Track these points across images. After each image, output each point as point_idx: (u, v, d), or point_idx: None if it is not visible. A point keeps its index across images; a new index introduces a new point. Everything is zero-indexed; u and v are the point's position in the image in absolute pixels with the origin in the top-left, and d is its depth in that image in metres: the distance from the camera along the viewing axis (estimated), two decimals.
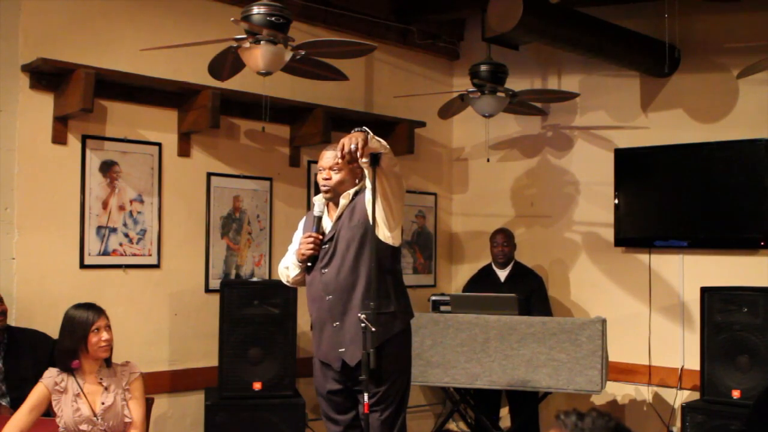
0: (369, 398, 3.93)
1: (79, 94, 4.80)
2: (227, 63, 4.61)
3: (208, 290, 5.63)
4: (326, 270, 4.14)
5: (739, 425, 4.78)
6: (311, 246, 4.15)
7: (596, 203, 6.54)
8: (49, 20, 5.00)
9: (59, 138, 5.00)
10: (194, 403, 5.50)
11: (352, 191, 4.16)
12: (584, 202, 6.65)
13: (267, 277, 5.89)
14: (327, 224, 4.22)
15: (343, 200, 4.17)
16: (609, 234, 6.38)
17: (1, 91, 4.83)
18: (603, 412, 1.94)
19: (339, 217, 4.17)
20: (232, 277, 5.74)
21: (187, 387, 5.51)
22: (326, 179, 4.16)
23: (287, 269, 4.35)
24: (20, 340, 4.65)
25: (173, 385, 5.47)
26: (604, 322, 5.42)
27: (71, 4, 5.09)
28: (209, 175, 5.68)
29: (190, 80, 5.37)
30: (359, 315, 3.81)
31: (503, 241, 6.45)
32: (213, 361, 5.38)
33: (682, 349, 5.99)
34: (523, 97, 5.92)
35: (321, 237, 4.18)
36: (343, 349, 4.07)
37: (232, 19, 4.20)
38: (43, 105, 4.96)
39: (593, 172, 6.58)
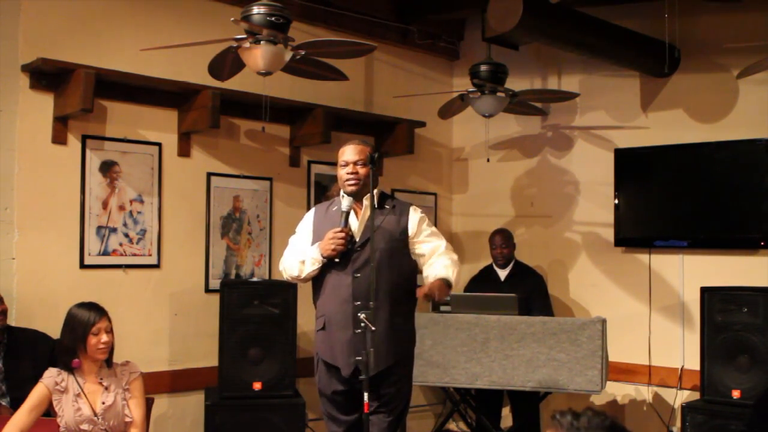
0: (377, 400, 4.04)
1: (79, 94, 4.80)
2: (227, 63, 4.60)
3: (208, 290, 5.63)
4: (359, 275, 4.10)
5: (739, 425, 4.76)
6: (342, 242, 4.10)
7: (596, 203, 6.54)
8: (49, 20, 5.00)
9: (59, 138, 5.00)
10: (194, 403, 5.50)
11: (375, 192, 4.13)
12: (584, 202, 6.65)
13: (267, 277, 5.88)
14: (353, 224, 4.20)
15: (366, 201, 4.16)
16: (609, 234, 6.38)
17: (1, 91, 4.83)
18: (598, 411, 1.95)
19: (368, 221, 4.13)
20: (232, 277, 5.74)
21: (187, 387, 5.51)
22: (353, 173, 4.16)
23: (303, 264, 4.23)
24: (20, 340, 4.65)
25: (173, 385, 5.47)
26: (604, 322, 5.43)
27: (71, 4, 5.09)
28: (209, 175, 5.68)
29: (190, 80, 5.37)
30: (359, 315, 3.80)
31: (501, 242, 6.45)
32: (213, 361, 5.37)
33: (682, 349, 5.99)
34: (523, 97, 5.92)
35: (350, 232, 4.15)
36: (360, 358, 3.99)
37: (232, 19, 4.19)
38: (43, 105, 4.96)
39: (593, 172, 6.58)
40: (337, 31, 6.30)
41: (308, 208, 5.86)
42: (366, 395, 3.76)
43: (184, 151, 5.55)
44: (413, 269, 4.23)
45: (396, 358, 4.08)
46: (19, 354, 4.61)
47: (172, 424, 5.49)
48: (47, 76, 4.95)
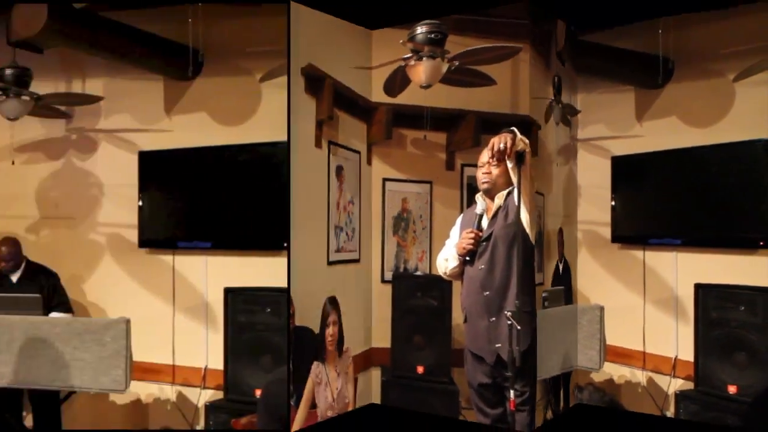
0: (517, 396, 4.25)
1: (327, 104, 5.12)
2: (397, 81, 5.06)
3: (383, 281, 6.00)
4: (483, 267, 4.40)
5: (736, 421, 5.03)
6: (472, 242, 4.41)
7: (594, 204, 6.33)
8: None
9: (317, 142, 5.27)
10: (375, 378, 5.79)
11: (505, 192, 4.40)
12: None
13: (428, 272, 6.12)
14: (485, 222, 4.47)
15: (498, 200, 4.43)
16: (607, 233, 6.26)
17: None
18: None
19: (494, 216, 4.42)
20: (401, 270, 6.06)
21: (366, 366, 5.75)
22: (486, 173, 4.44)
23: (446, 261, 4.60)
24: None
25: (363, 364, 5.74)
26: (602, 309, 5.72)
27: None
28: (384, 180, 6.05)
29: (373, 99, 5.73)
30: (506, 313, 4.18)
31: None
32: (387, 343, 5.76)
33: (676, 347, 5.92)
34: (48, 100, 5.78)
35: (481, 234, 4.43)
36: (499, 345, 4.29)
37: (401, 41, 4.67)
38: (310, 108, 5.20)
39: (594, 179, 6.31)
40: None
41: (461, 209, 5.98)
42: (512, 392, 4.13)
43: (368, 160, 5.92)
44: (531, 252, 4.41)
45: (531, 338, 4.36)
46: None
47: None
48: (312, 81, 5.13)
